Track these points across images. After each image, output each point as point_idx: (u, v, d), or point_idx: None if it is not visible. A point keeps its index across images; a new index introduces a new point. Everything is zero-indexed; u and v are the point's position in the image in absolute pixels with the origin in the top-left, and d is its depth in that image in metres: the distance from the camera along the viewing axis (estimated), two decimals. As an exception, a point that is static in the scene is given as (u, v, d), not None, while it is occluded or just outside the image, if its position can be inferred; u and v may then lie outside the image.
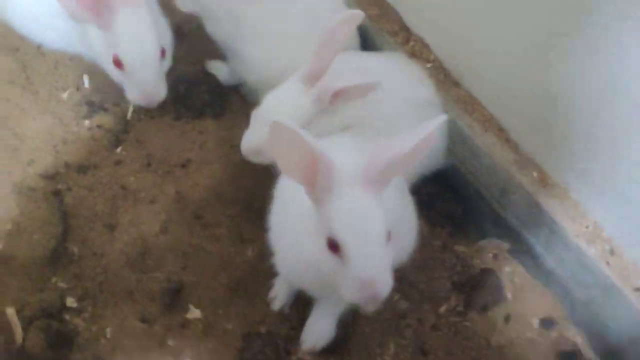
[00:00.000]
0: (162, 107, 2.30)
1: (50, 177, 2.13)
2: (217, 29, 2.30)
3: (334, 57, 1.90)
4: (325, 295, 1.86)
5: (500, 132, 2.13)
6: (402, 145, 1.39)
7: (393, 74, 1.91)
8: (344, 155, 1.47)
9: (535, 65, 1.94)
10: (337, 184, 1.39)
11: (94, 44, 2.14)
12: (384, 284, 1.42)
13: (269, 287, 2.05)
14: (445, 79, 2.22)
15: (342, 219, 1.40)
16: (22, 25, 2.32)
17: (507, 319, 2.10)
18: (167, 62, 2.21)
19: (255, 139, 1.95)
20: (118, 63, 2.05)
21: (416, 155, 1.44)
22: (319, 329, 1.95)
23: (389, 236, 1.44)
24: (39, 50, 2.40)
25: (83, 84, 2.38)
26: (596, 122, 1.86)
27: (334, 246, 1.41)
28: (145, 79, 2.08)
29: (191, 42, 2.49)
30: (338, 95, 1.87)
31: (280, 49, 2.17)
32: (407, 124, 1.97)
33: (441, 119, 1.43)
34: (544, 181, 2.05)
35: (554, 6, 1.80)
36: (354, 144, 1.72)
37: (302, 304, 2.02)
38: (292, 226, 1.66)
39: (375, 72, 1.94)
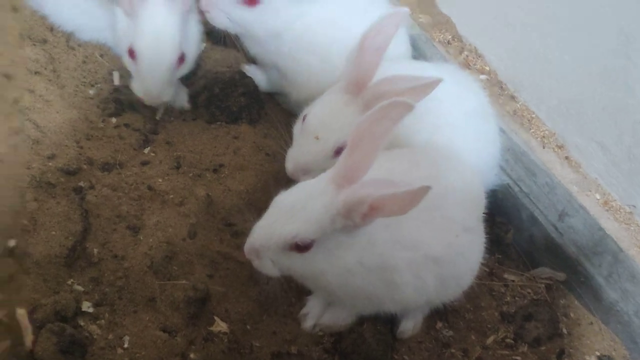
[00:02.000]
0: (195, 110, 2.29)
1: (72, 173, 2.04)
2: (256, 47, 2.28)
3: (378, 61, 1.82)
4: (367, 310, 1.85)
5: (560, 149, 2.06)
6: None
7: (444, 83, 1.81)
8: None
9: (607, 78, 1.87)
10: None
11: (117, 28, 2.15)
12: None
13: (301, 305, 1.94)
14: (500, 92, 2.16)
15: None
16: (57, 11, 2.31)
17: (560, 355, 2.00)
18: (186, 67, 2.20)
19: (304, 158, 1.88)
20: (132, 53, 2.06)
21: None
22: (338, 315, 1.90)
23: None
24: (68, 44, 2.35)
25: (112, 80, 2.31)
26: None
27: None
28: (153, 78, 2.09)
29: (229, 43, 2.41)
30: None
31: (327, 68, 2.12)
32: (458, 133, 1.96)
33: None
34: (608, 204, 1.97)
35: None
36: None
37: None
38: None
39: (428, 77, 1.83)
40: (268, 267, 1.60)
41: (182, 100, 2.28)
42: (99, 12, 2.23)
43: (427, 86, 1.72)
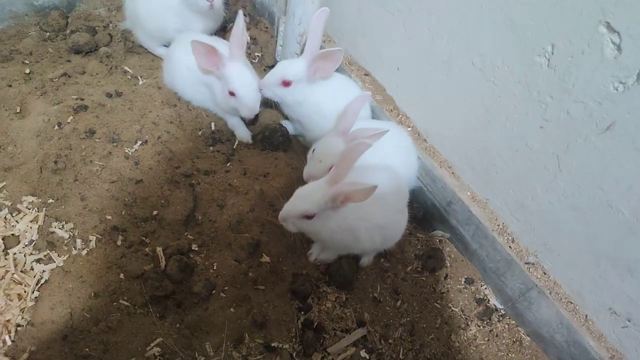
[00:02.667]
0: (255, 143, 2.27)
1: (188, 175, 2.04)
2: (288, 109, 2.24)
3: (355, 119, 1.84)
4: (344, 252, 1.85)
5: (450, 168, 2.04)
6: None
7: (389, 132, 1.80)
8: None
9: (475, 131, 1.86)
10: None
11: (216, 91, 2.11)
12: None
13: (309, 248, 1.93)
14: (418, 137, 2.13)
15: None
16: (182, 89, 2.30)
17: (445, 277, 2.00)
18: (261, 95, 2.16)
19: (313, 171, 1.87)
20: (232, 94, 2.03)
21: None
22: (328, 254, 1.89)
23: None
24: (188, 107, 2.33)
25: (210, 127, 2.30)
26: (503, 165, 1.78)
27: None
28: (252, 100, 2.05)
29: (274, 107, 2.38)
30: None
31: (326, 123, 2.08)
32: (396, 158, 1.95)
33: None
34: (474, 198, 1.96)
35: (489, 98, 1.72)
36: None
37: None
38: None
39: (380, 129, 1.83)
40: (291, 227, 1.63)
41: (248, 138, 2.27)
42: (203, 89, 2.21)
43: (380, 134, 1.74)
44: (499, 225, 1.87)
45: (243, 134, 2.27)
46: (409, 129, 2.14)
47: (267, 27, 2.83)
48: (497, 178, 1.83)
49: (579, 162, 1.52)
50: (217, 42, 2.16)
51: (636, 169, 1.39)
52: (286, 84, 2.07)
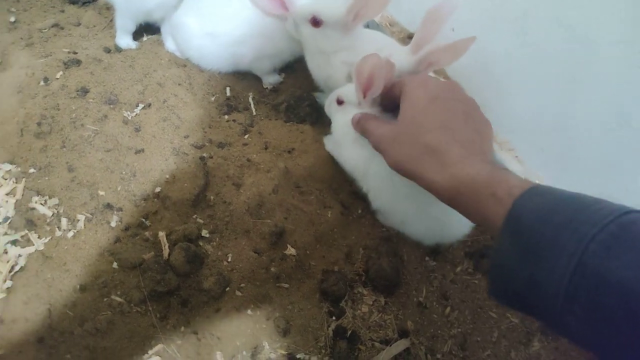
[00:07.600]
0: (277, 113, 1.95)
1: (199, 147, 1.73)
2: (311, 61, 1.82)
3: (438, 30, 1.43)
4: None
5: (511, 151, 1.73)
6: None
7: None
8: None
9: (550, 106, 1.53)
10: None
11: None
12: None
13: (341, 239, 1.61)
14: None
15: None
16: (208, 61, 1.99)
17: (503, 281, 1.68)
18: None
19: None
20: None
21: None
22: None
23: None
24: (199, 68, 2.02)
25: (225, 92, 1.98)
26: (586, 149, 1.45)
27: None
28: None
29: (300, 74, 2.08)
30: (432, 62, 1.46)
31: None
32: None
33: None
34: (544, 187, 1.64)
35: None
36: None
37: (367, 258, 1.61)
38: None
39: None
40: None
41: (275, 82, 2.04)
42: (241, 49, 1.92)
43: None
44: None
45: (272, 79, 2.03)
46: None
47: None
48: (576, 164, 1.51)
49: None
50: None
51: None
52: (316, 23, 1.64)
